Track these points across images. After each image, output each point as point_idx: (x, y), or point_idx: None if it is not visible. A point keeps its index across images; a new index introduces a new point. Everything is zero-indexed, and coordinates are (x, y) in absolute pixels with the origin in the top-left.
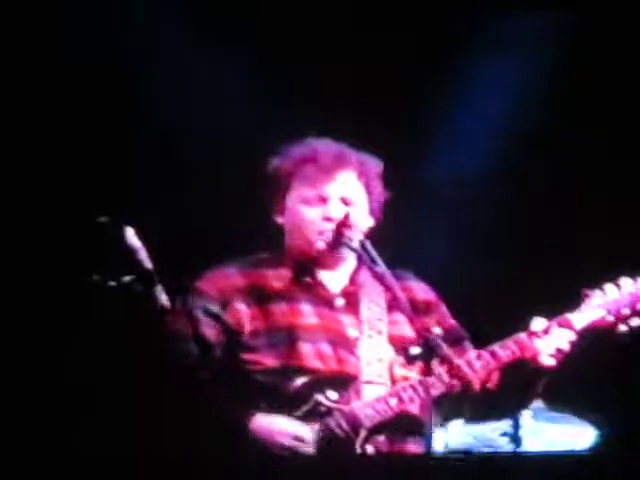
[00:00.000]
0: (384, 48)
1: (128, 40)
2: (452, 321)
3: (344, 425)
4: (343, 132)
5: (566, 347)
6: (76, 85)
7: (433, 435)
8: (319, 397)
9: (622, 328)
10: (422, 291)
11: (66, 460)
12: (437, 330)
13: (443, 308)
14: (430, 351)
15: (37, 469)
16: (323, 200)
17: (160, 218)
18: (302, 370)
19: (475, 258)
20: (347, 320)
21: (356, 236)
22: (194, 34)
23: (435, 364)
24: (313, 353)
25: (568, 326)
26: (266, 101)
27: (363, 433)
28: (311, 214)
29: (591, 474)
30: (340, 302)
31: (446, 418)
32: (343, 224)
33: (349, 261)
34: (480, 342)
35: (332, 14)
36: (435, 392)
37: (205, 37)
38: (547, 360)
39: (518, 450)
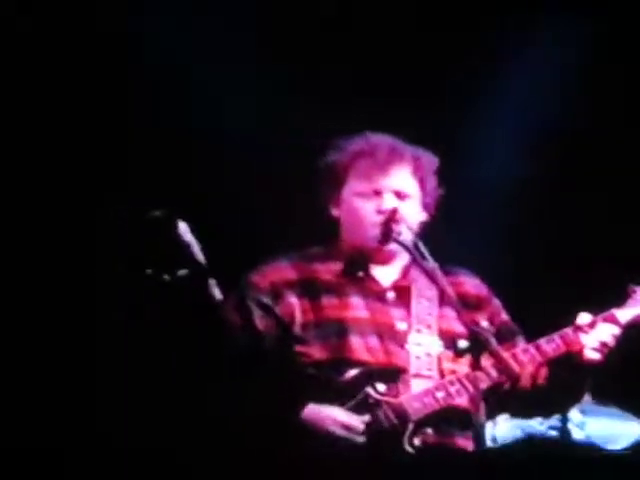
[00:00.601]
0: (436, 47)
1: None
2: (504, 317)
3: (392, 417)
4: (400, 127)
5: (611, 341)
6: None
7: (483, 428)
8: (368, 389)
9: None
10: (473, 286)
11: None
12: (485, 324)
13: (495, 303)
14: (478, 345)
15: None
16: (377, 194)
17: (215, 212)
18: (352, 363)
19: (524, 255)
20: (397, 313)
21: (405, 230)
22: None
23: (483, 358)
24: (362, 346)
25: (613, 321)
26: (319, 95)
27: (411, 426)
28: (366, 207)
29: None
30: (391, 295)
31: (495, 412)
32: (392, 218)
33: (402, 255)
34: (529, 338)
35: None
36: (483, 386)
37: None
38: (591, 354)
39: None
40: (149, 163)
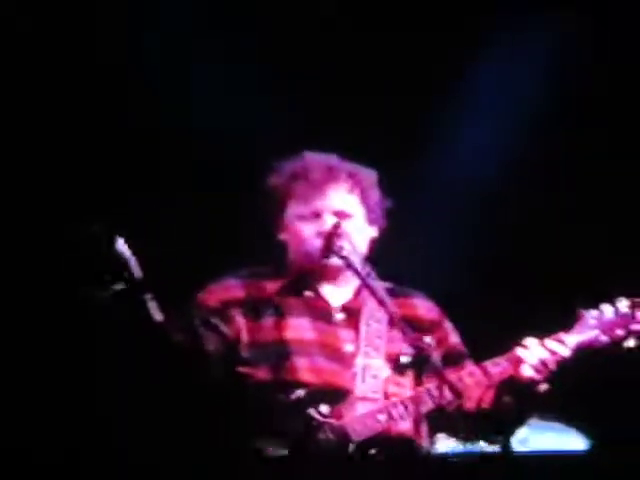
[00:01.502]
0: (382, 48)
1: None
2: (454, 339)
3: (332, 439)
4: (340, 139)
5: (552, 363)
6: (73, 84)
7: (425, 450)
8: (311, 411)
9: (625, 345)
10: (425, 309)
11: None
12: (429, 339)
13: (446, 326)
14: (421, 360)
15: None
16: (317, 215)
17: (163, 233)
18: (295, 384)
19: (473, 271)
20: (345, 335)
21: (346, 245)
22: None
23: (426, 378)
24: (307, 367)
25: (560, 343)
26: (263, 108)
27: (351, 447)
28: (307, 230)
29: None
30: (339, 316)
31: (437, 433)
32: (333, 234)
33: (354, 276)
34: (478, 360)
35: (329, 14)
36: (425, 408)
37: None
38: (527, 371)
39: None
40: (90, 174)
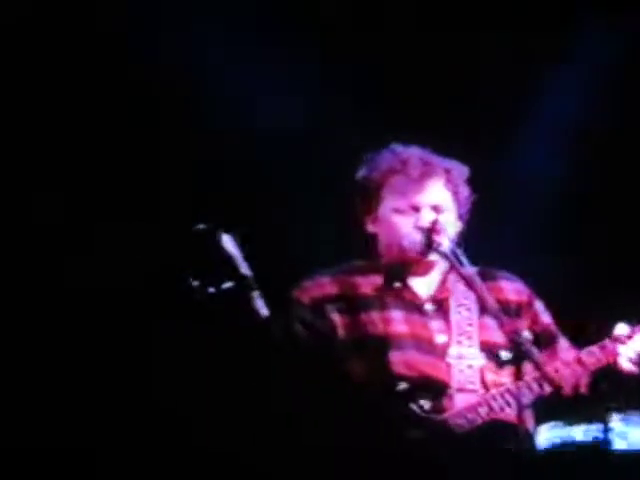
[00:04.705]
0: (461, 49)
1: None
2: (546, 320)
3: (436, 435)
4: (427, 136)
5: None
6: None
7: (530, 438)
8: (412, 406)
9: None
10: (514, 291)
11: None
12: (527, 334)
13: (536, 306)
14: (520, 356)
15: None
16: (415, 209)
17: (260, 227)
18: (394, 378)
19: (559, 259)
20: (436, 326)
21: (445, 241)
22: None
23: (525, 369)
24: (403, 361)
25: None
26: (346, 107)
27: (456, 441)
28: (404, 223)
29: None
30: (429, 307)
31: (537, 421)
32: (432, 230)
33: (440, 267)
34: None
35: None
36: (525, 400)
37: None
38: (626, 365)
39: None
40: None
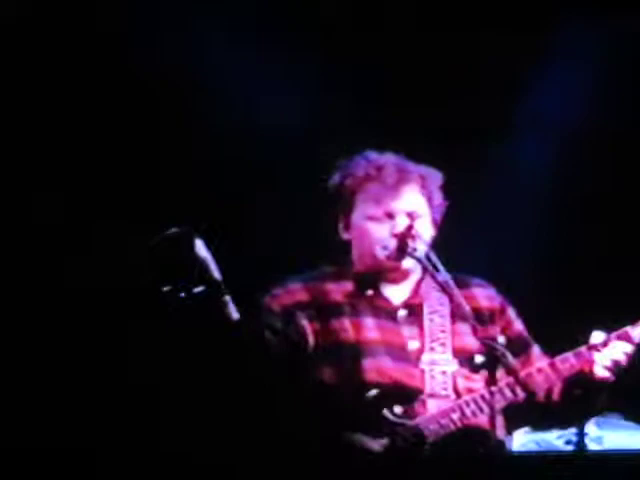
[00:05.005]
0: (461, 49)
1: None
2: (518, 327)
3: (409, 440)
4: (401, 141)
5: (624, 360)
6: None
7: (502, 445)
8: (385, 412)
9: None
10: (486, 299)
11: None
12: (501, 339)
13: (509, 313)
14: (494, 360)
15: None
16: (390, 216)
17: (230, 232)
18: (365, 385)
19: (536, 266)
20: (409, 332)
21: (421, 246)
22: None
23: (499, 375)
24: (375, 368)
25: (627, 339)
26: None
27: (428, 447)
28: (378, 230)
29: None
30: (402, 314)
31: (511, 426)
32: (407, 235)
33: (414, 273)
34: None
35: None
36: (498, 406)
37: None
38: (601, 372)
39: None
40: (164, 180)
